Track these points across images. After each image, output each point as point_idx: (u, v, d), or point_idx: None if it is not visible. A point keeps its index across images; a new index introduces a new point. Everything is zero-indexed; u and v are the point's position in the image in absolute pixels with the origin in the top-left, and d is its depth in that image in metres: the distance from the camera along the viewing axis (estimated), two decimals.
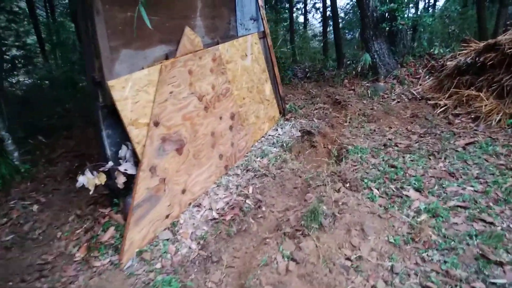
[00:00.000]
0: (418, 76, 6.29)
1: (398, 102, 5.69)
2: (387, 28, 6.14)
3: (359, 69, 6.40)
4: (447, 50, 6.51)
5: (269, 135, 4.54)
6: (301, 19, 20.33)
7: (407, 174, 3.58)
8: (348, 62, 8.37)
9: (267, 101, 4.61)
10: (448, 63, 5.41)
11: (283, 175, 3.66)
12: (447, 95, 5.28)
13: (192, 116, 3.21)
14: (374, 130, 4.78)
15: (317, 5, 17.03)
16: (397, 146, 4.26)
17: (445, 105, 5.17)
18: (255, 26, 4.60)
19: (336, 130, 5.01)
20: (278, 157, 3.94)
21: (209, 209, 3.11)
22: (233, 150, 3.76)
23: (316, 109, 5.47)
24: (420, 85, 6.08)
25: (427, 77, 6.27)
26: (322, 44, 13.70)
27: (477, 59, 4.79)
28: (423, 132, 4.64)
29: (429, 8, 10.63)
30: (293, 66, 11.58)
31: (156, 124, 2.86)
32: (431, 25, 5.84)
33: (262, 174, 3.58)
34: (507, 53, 4.39)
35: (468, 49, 5.13)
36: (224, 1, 3.90)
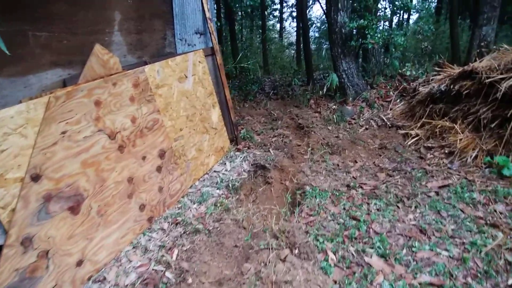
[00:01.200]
0: (389, 99, 5.78)
1: (366, 129, 5.12)
2: (356, 47, 5.60)
3: (325, 90, 5.82)
4: (420, 72, 6.04)
5: (214, 171, 3.82)
6: (278, 27, 19.83)
7: (371, 229, 2.96)
8: (319, 77, 7.84)
9: (213, 130, 3.90)
10: (421, 88, 4.91)
11: (223, 229, 2.95)
12: (419, 124, 4.76)
13: (97, 161, 2.46)
14: (338, 165, 4.17)
15: (294, 14, 16.58)
16: (361, 187, 3.65)
17: (417, 135, 4.65)
18: (202, 41, 3.90)
19: (296, 162, 4.37)
20: (220, 204, 3.23)
21: (114, 285, 2.35)
22: (161, 196, 3.02)
23: (275, 136, 4.81)
24: (391, 109, 5.56)
25: (398, 100, 5.77)
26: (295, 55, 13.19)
27: (451, 86, 4.29)
28: (392, 168, 4.07)
29: (403, 24, 10.32)
30: (263, 78, 11.02)
31: (36, 178, 2.09)
32: (403, 44, 5.33)
33: (194, 230, 2.86)
34: (484, 82, 3.89)
35: (442, 75, 4.63)
36: (157, 12, 3.18)
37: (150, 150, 2.92)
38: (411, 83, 6.12)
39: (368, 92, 5.88)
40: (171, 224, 2.97)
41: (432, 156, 4.26)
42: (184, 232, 2.86)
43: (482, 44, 5.97)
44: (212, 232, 2.88)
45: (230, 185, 3.56)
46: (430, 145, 4.41)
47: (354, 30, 5.59)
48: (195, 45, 3.79)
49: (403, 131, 4.84)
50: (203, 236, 2.83)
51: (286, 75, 10.22)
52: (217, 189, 3.47)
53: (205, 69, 3.79)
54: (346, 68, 5.76)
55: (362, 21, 5.26)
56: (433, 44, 12.35)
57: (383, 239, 2.79)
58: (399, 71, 6.38)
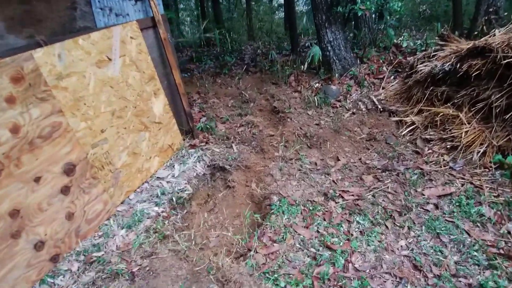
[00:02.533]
0: (381, 76, 4.92)
1: (353, 114, 4.31)
2: (344, 14, 4.65)
3: (306, 65, 4.91)
4: (418, 43, 5.13)
5: (158, 178, 3.03)
6: None
7: (350, 264, 2.24)
8: (307, 45, 6.88)
9: (156, 125, 3.06)
10: (420, 66, 4.05)
11: (154, 267, 2.22)
12: (416, 110, 3.95)
13: None
14: (316, 164, 3.40)
15: None
16: (342, 197, 2.91)
17: (413, 124, 3.86)
18: (138, 9, 2.96)
19: (267, 157, 3.58)
20: (154, 230, 2.46)
21: None
22: (72, 225, 2.25)
23: (243, 124, 3.98)
24: (383, 89, 4.72)
25: (392, 77, 4.91)
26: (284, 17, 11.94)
27: (458, 66, 3.45)
28: (382, 167, 3.32)
29: None
30: (246, 45, 9.95)
31: None
32: (400, 11, 4.39)
33: (113, 273, 2.11)
34: (500, 62, 3.06)
35: (447, 51, 3.76)
36: None
37: (48, 167, 2.10)
38: (408, 57, 5.23)
39: (358, 67, 5.00)
40: (84, 263, 2.21)
41: (430, 151, 3.50)
42: (98, 277, 2.11)
43: (491, 10, 5.04)
44: (138, 275, 2.14)
45: (174, 198, 2.79)
46: (428, 136, 3.63)
47: None
48: (127, 15, 2.86)
49: (396, 118, 4.04)
50: (124, 283, 2.08)
51: (270, 43, 9.18)
52: (156, 205, 2.70)
53: (141, 47, 2.88)
54: (331, 39, 4.84)
55: None
56: (432, 8, 11.24)
57: (365, 284, 2.08)
58: (394, 41, 5.46)
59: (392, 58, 5.21)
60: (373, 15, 5.43)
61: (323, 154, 3.57)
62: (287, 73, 5.24)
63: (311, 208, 2.77)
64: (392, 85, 4.71)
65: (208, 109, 4.27)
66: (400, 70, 5.01)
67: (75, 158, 2.28)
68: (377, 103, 4.37)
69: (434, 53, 4.04)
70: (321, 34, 4.87)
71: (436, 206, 2.77)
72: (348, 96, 4.63)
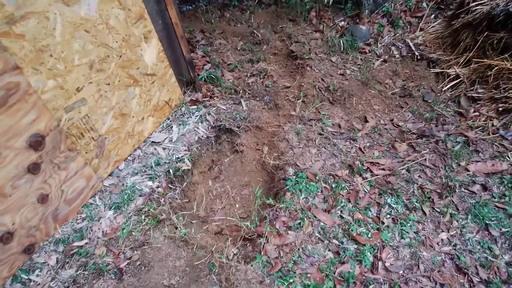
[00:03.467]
0: (420, 14, 4.11)
1: (385, 61, 3.64)
2: None
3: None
4: None
5: (153, 142, 2.57)
6: None
7: (379, 263, 1.87)
8: None
9: (149, 78, 2.52)
10: (475, 6, 3.25)
11: (147, 260, 1.87)
12: (462, 60, 3.28)
13: None
14: (339, 126, 2.88)
15: None
16: (371, 171, 2.45)
17: (458, 77, 3.22)
18: None
19: (281, 114, 3.07)
20: (146, 212, 2.08)
21: None
22: (47, 208, 1.86)
23: (255, 74, 3.38)
24: (422, 30, 3.96)
25: (433, 16, 4.10)
26: None
27: None
28: (418, 131, 2.81)
29: None
30: None
31: None
32: None
33: (97, 269, 1.77)
34: None
35: None
36: None
37: (7, 142, 1.64)
38: None
39: (392, 1, 4.16)
40: (63, 255, 1.86)
41: (477, 113, 2.93)
42: (80, 274, 1.77)
43: None
44: (127, 272, 1.79)
45: (172, 170, 2.35)
46: (476, 95, 3.03)
47: None
48: None
49: (437, 69, 3.38)
50: (110, 282, 1.75)
51: None
52: (150, 179, 2.27)
53: None
54: None
55: None
56: None
57: None
58: None
59: None
60: None
61: (349, 113, 3.02)
62: (307, 7, 4.42)
63: (333, 185, 2.32)
64: (433, 26, 3.94)
65: (214, 52, 3.63)
66: (443, 6, 4.17)
67: (44, 128, 1.80)
68: (413, 48, 3.66)
69: None
70: None
71: (484, 187, 2.30)
72: (380, 38, 3.90)
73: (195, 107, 2.83)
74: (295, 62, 3.65)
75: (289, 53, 3.77)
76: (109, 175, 2.31)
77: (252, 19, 4.49)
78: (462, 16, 3.45)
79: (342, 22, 4.17)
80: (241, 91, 3.08)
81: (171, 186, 2.28)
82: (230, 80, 3.28)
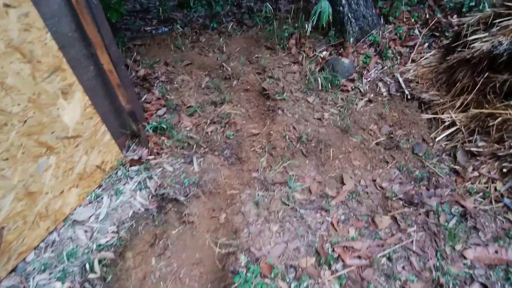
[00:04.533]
0: (411, 43, 3.64)
1: (370, 102, 3.16)
2: None
3: (310, 26, 3.62)
4: (469, 0, 3.72)
5: (74, 221, 2.08)
6: None
7: None
8: None
9: (71, 142, 2.04)
10: (474, 43, 2.77)
11: None
12: (459, 103, 2.79)
13: None
14: (310, 192, 2.39)
15: None
16: (343, 261, 1.95)
17: (453, 123, 2.74)
18: None
19: (246, 170, 2.59)
20: None
21: None
22: None
23: (215, 121, 2.90)
24: (413, 62, 3.49)
25: (426, 44, 3.63)
26: None
27: None
28: (405, 196, 2.33)
29: None
30: None
31: None
32: None
33: None
34: None
35: None
36: None
37: None
38: (450, 15, 3.86)
39: (381, 29, 3.69)
40: None
41: (476, 173, 2.44)
42: None
43: None
44: None
45: (89, 263, 1.86)
46: (475, 148, 2.54)
47: None
48: None
49: (430, 115, 2.90)
50: None
51: None
52: (59, 279, 1.77)
53: (28, 21, 1.74)
54: None
55: None
56: None
57: None
58: None
59: (427, 16, 3.85)
60: None
61: (323, 171, 2.53)
62: (287, 33, 3.96)
63: (293, 285, 1.82)
64: (426, 58, 3.46)
65: (173, 92, 3.16)
66: (438, 34, 3.70)
67: None
68: (403, 85, 3.18)
69: (494, 20, 2.73)
70: None
71: (485, 287, 1.79)
72: (365, 72, 3.42)
73: (136, 168, 2.35)
74: (267, 103, 3.17)
75: (262, 90, 3.30)
76: (11, 272, 1.82)
77: (225, 48, 4.04)
78: (459, 49, 2.97)
79: (324, 52, 3.71)
80: (195, 146, 2.60)
81: (87, 286, 1.79)
82: (187, 128, 2.80)
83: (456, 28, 3.42)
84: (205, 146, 2.59)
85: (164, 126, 2.60)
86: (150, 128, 2.59)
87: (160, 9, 6.69)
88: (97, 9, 2.21)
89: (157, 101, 2.93)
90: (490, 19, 2.82)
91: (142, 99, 2.96)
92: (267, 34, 4.12)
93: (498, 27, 2.60)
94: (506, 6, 2.76)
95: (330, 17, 3.43)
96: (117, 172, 2.32)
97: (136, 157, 2.40)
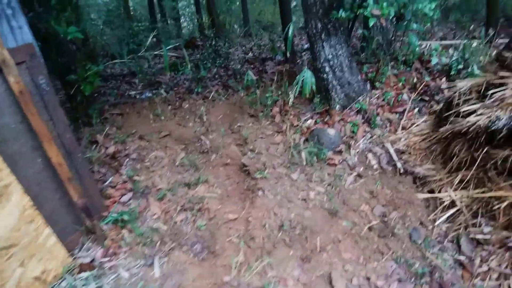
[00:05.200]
0: (401, 109, 3.45)
1: (360, 177, 2.88)
2: (349, 19, 3.19)
3: (294, 95, 3.45)
4: (454, 60, 3.60)
5: None
6: None
7: None
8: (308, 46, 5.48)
9: (2, 254, 1.70)
10: (465, 110, 2.55)
11: None
12: (457, 180, 2.50)
13: None
14: None
15: None
16: None
17: (454, 203, 2.42)
18: None
19: (218, 266, 2.20)
20: None
21: None
22: None
23: (186, 208, 2.58)
24: (404, 129, 3.26)
25: (416, 109, 3.44)
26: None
27: None
28: None
29: None
30: (236, 45, 8.52)
31: None
32: (431, 15, 2.89)
33: None
34: None
35: None
36: None
37: None
38: (439, 77, 3.74)
39: (367, 95, 3.52)
40: None
41: (486, 267, 2.07)
42: None
43: None
44: None
45: None
46: (481, 236, 2.21)
47: None
48: None
49: (426, 193, 2.59)
50: None
51: (263, 45, 7.69)
52: None
53: None
54: (330, 57, 3.36)
55: None
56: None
57: None
58: (418, 52, 3.95)
59: (415, 80, 3.71)
60: (391, 20, 3.90)
61: (308, 269, 2.17)
62: (270, 101, 3.78)
63: None
64: (417, 125, 3.24)
65: (144, 172, 2.88)
66: (427, 98, 3.54)
67: None
68: (395, 157, 2.92)
69: (487, 91, 2.53)
70: (315, 49, 3.40)
71: None
72: (353, 143, 3.18)
73: (85, 275, 1.98)
74: (247, 181, 2.88)
75: (240, 168, 3.02)
76: None
77: (206, 117, 3.84)
78: (452, 119, 2.74)
79: (309, 121, 3.50)
80: (159, 242, 2.25)
81: None
82: (154, 217, 2.48)
83: (446, 93, 3.25)
84: (171, 241, 2.24)
85: (126, 218, 2.28)
86: (109, 221, 2.26)
87: (147, 72, 6.69)
88: (49, 96, 2.00)
89: (123, 185, 2.64)
90: (483, 88, 2.63)
91: (107, 182, 2.67)
92: (251, 100, 3.94)
93: (493, 99, 2.39)
94: (496, 73, 2.59)
95: (314, 87, 3.26)
96: (60, 283, 1.95)
97: (87, 260, 2.05)
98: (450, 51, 4.21)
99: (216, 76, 5.87)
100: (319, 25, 3.25)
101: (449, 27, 8.58)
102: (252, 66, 6.34)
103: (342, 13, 2.93)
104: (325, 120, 3.45)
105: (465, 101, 2.70)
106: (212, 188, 2.75)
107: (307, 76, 3.06)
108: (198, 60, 6.91)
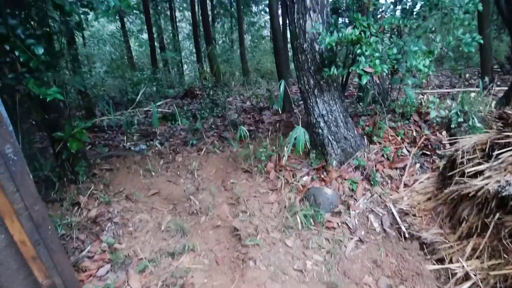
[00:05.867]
0: (401, 164, 3.27)
1: (361, 242, 2.63)
2: (342, 76, 3.12)
3: (287, 152, 3.31)
4: (453, 112, 3.49)
5: None
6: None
7: None
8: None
9: None
10: (472, 172, 2.38)
11: None
12: (469, 248, 2.25)
13: None
14: None
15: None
16: None
17: (468, 276, 2.15)
18: None
19: None
20: None
21: None
22: None
23: (168, 284, 2.32)
24: (406, 186, 3.06)
25: (418, 165, 3.26)
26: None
27: None
28: None
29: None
30: (234, 94, 8.59)
31: None
32: (426, 70, 2.80)
33: None
34: None
35: None
36: None
37: None
38: (438, 130, 3.61)
39: (365, 150, 3.36)
40: None
41: None
42: None
43: None
44: None
45: None
46: None
47: (336, 48, 3.07)
48: None
49: (435, 263, 2.34)
50: None
51: (262, 95, 7.74)
52: None
53: None
54: (324, 112, 3.26)
55: (350, 30, 2.73)
56: (456, 53, 9.65)
57: None
58: (415, 105, 3.86)
59: (414, 133, 3.57)
60: (386, 75, 3.87)
61: None
62: (264, 157, 3.62)
63: None
64: (421, 182, 3.04)
65: (126, 238, 2.65)
66: (429, 152, 3.37)
67: None
68: (399, 220, 2.69)
69: (493, 151, 2.37)
70: (309, 104, 3.30)
71: None
72: (353, 203, 2.97)
73: None
74: (238, 247, 2.64)
75: (232, 232, 2.79)
76: None
77: (198, 173, 3.67)
78: (457, 178, 2.55)
79: (305, 177, 3.32)
80: None
81: None
82: None
83: (448, 148, 3.10)
84: None
85: None
86: None
87: (144, 122, 6.64)
88: (17, 165, 1.83)
89: (102, 255, 2.41)
90: (487, 146, 2.47)
91: (84, 251, 2.44)
92: (246, 154, 3.79)
93: (500, 160, 2.22)
94: (500, 131, 2.44)
95: (308, 144, 3.12)
96: None
97: None
98: (448, 101, 4.13)
99: (213, 126, 5.81)
100: (312, 82, 3.18)
101: (445, 74, 8.70)
102: (249, 116, 6.31)
103: (334, 71, 2.86)
104: (322, 176, 3.27)
105: (469, 160, 2.53)
106: (198, 258, 2.50)
107: (300, 133, 2.93)
108: (196, 109, 6.92)
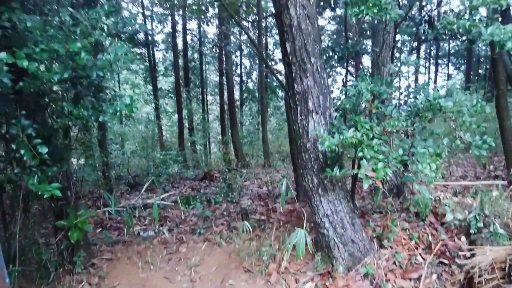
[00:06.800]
0: (416, 274, 2.96)
1: None
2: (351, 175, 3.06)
3: (288, 256, 3.11)
4: (471, 216, 3.23)
5: None
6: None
7: None
8: None
9: None
10: None
11: None
12: None
13: None
14: None
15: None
16: None
17: None
18: None
19: None
20: None
21: None
22: None
23: None
24: None
25: (434, 277, 2.93)
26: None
27: None
28: None
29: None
30: (252, 178, 8.58)
31: None
32: (434, 176, 2.67)
33: None
34: None
35: None
36: None
37: None
38: (457, 234, 3.31)
39: (375, 255, 3.10)
40: None
41: None
42: None
43: None
44: None
45: None
46: None
47: (338, 149, 3.05)
48: None
49: None
50: None
51: (279, 181, 7.66)
52: None
53: None
54: (329, 212, 3.12)
55: (351, 133, 2.73)
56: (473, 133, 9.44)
57: None
58: (431, 205, 3.63)
59: (430, 237, 3.30)
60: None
61: None
62: (265, 257, 3.42)
63: None
64: None
65: None
66: (446, 262, 3.05)
67: None
68: None
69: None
70: (313, 203, 3.19)
71: None
72: None
73: None
74: None
75: None
76: None
77: (196, 269, 3.49)
78: None
79: (309, 283, 3.05)
80: None
81: None
82: None
83: (465, 262, 2.79)
84: None
85: None
86: None
87: (159, 205, 6.66)
88: None
89: None
90: (507, 265, 2.19)
91: None
92: (249, 251, 3.61)
93: None
94: None
95: (309, 247, 2.94)
96: None
97: None
98: (468, 199, 3.87)
99: (224, 213, 5.71)
100: (315, 180, 3.12)
101: (471, 163, 8.31)
102: (262, 203, 6.17)
103: (337, 172, 2.80)
104: (327, 284, 2.99)
105: (487, 281, 2.24)
106: None
107: (300, 236, 2.77)
108: (211, 193, 6.91)
